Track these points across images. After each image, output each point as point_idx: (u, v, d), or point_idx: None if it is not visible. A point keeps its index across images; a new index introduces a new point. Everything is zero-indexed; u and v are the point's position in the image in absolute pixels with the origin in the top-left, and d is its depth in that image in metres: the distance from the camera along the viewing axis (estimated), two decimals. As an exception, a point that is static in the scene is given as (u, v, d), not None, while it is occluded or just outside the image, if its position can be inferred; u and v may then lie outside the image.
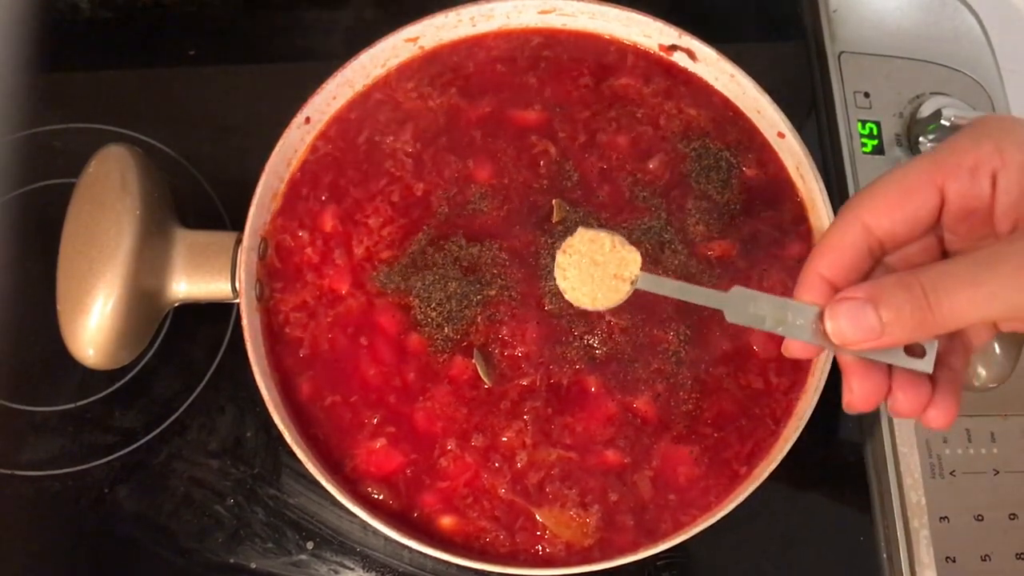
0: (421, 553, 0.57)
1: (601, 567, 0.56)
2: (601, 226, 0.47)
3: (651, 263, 0.63)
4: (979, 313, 0.38)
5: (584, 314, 0.62)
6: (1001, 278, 0.37)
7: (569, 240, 0.49)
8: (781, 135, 0.66)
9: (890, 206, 0.41)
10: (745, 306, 0.44)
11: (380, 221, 0.65)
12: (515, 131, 0.68)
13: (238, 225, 0.63)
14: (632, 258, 0.48)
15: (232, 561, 0.68)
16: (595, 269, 0.48)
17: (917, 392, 0.43)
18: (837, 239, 0.43)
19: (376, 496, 0.59)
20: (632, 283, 0.48)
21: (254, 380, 0.59)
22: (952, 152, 0.40)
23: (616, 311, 0.61)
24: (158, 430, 0.71)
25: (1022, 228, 0.40)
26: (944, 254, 0.45)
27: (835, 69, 0.82)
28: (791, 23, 0.87)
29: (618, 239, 0.48)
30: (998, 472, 0.68)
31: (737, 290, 0.44)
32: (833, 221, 0.44)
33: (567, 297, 0.49)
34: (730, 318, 0.44)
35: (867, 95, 0.79)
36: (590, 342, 0.62)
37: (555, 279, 0.49)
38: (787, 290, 0.63)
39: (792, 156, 0.66)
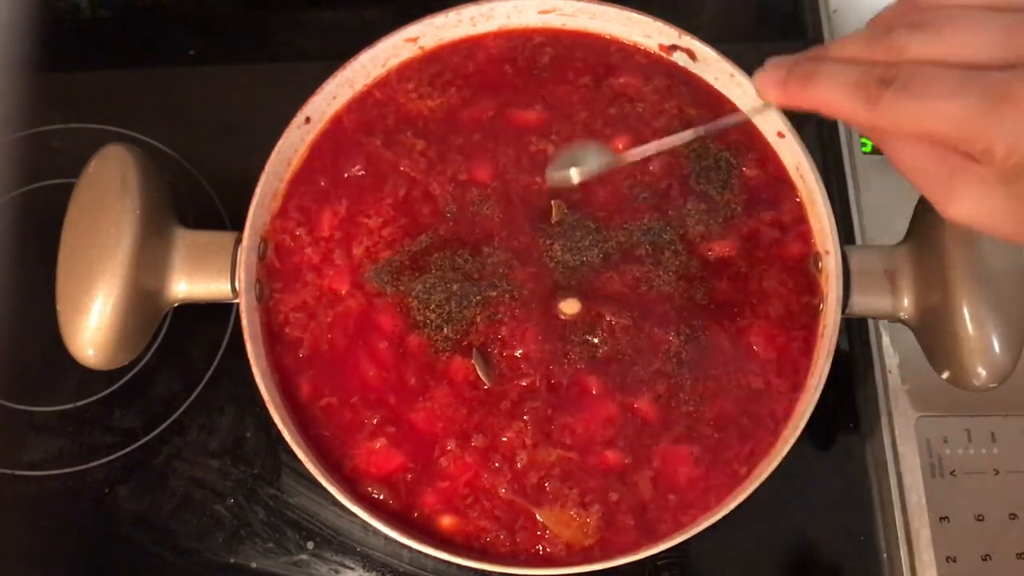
0: (421, 553, 0.57)
1: (601, 567, 0.56)
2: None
3: (651, 263, 0.63)
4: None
5: (584, 314, 0.62)
6: None
7: None
8: (781, 135, 0.66)
9: None
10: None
11: (380, 221, 0.65)
12: (515, 131, 0.68)
13: (238, 225, 0.63)
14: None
15: (232, 561, 0.68)
16: None
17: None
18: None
19: (376, 496, 0.59)
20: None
21: (254, 380, 0.59)
22: None
23: (616, 311, 0.61)
24: (158, 430, 0.71)
25: None
26: None
27: (835, 69, 0.82)
28: (791, 23, 0.87)
29: None
30: (998, 472, 0.68)
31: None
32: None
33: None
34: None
35: (867, 95, 0.79)
36: (590, 342, 0.62)
37: None
38: (788, 291, 0.63)
39: (792, 156, 0.66)
